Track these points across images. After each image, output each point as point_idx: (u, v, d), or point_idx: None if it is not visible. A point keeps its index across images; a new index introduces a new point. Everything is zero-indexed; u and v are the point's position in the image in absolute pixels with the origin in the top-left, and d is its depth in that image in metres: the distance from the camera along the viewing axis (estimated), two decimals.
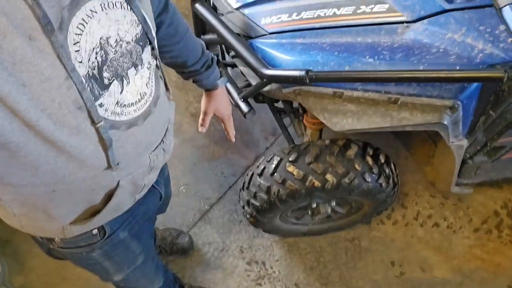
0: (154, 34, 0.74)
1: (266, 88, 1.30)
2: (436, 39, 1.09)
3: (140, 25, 0.69)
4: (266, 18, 1.32)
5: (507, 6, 1.05)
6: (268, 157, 1.47)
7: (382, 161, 1.43)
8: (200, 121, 1.19)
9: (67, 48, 0.56)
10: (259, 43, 1.31)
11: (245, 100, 1.40)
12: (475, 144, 1.33)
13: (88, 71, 0.61)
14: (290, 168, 1.38)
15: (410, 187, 2.00)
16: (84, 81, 0.60)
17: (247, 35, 1.36)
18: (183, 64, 1.05)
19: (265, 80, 1.20)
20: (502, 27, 1.04)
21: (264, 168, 1.44)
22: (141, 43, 0.70)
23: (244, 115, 1.39)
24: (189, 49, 1.03)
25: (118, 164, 0.73)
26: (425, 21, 1.13)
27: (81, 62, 0.59)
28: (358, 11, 1.21)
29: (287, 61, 1.22)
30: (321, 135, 1.64)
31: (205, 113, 1.17)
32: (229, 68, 1.68)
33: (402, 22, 1.15)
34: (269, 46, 1.28)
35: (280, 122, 1.72)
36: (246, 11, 1.37)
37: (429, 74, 0.99)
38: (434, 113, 1.08)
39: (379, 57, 1.11)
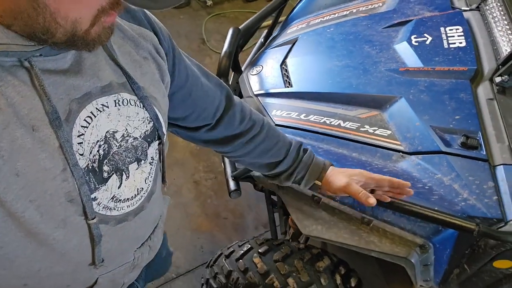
0: (164, 131, 0.73)
1: (256, 174, 1.31)
2: (425, 176, 1.08)
3: (152, 122, 0.68)
4: (278, 111, 1.39)
5: (501, 166, 1.05)
6: (241, 242, 1.43)
7: (353, 284, 1.35)
8: None
9: (71, 141, 0.55)
10: None
11: (235, 179, 1.42)
12: None
13: (88, 164, 0.59)
14: (256, 260, 1.33)
15: None
16: (84, 175, 0.58)
17: None
18: (265, 168, 1.01)
19: None
20: (490, 184, 1.03)
21: (233, 251, 1.40)
22: (149, 139, 0.69)
23: (229, 193, 1.40)
24: (273, 155, 0.98)
25: (103, 261, 0.69)
26: (420, 156, 1.14)
27: (82, 154, 0.58)
28: (361, 129, 1.25)
29: None
30: (308, 241, 1.60)
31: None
32: None
33: (398, 151, 1.17)
34: None
35: (270, 214, 1.71)
36: (263, 99, 1.45)
37: (403, 204, 0.98)
38: (402, 247, 1.04)
39: None
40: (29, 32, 0.48)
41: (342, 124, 1.28)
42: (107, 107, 0.60)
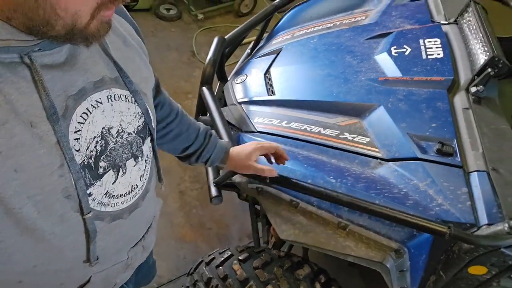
0: (154, 125, 0.74)
1: (237, 180, 1.32)
2: (401, 181, 1.10)
3: (143, 117, 0.70)
4: (260, 118, 1.40)
5: (475, 173, 1.06)
6: (222, 250, 1.43)
7: None
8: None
9: (67, 136, 0.56)
10: (247, 138, 1.37)
11: (217, 186, 1.42)
12: None
13: (84, 160, 0.59)
14: (236, 267, 1.32)
15: None
16: (80, 171, 0.59)
17: (239, 128, 1.44)
18: (180, 145, 1.03)
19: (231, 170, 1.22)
20: (464, 190, 1.04)
21: (213, 258, 1.40)
22: (141, 135, 0.70)
23: (211, 199, 1.40)
24: (184, 126, 1.01)
25: (97, 258, 0.70)
26: (397, 162, 1.15)
27: (78, 150, 0.58)
28: (341, 136, 1.26)
29: (261, 160, 1.25)
30: (290, 250, 1.60)
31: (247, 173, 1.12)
32: None
33: (376, 158, 1.18)
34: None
35: (254, 224, 1.70)
36: (246, 107, 1.46)
37: (376, 207, 0.99)
38: (378, 252, 1.04)
39: (342, 180, 1.12)
40: (28, 25, 0.49)
41: (322, 131, 1.29)
42: (101, 103, 0.61)
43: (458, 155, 1.11)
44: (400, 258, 1.04)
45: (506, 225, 0.91)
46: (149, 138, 0.73)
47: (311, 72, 1.48)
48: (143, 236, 0.83)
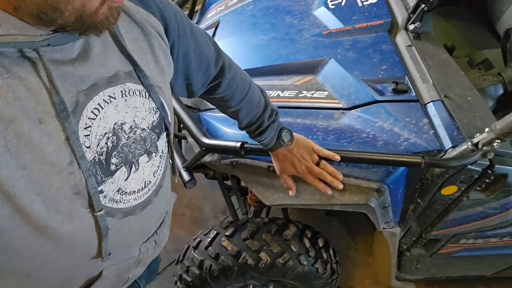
0: (170, 120, 0.72)
1: (208, 159, 1.31)
2: (367, 126, 1.15)
3: (158, 112, 0.68)
4: None
5: (431, 103, 1.14)
6: (206, 231, 1.43)
7: (320, 245, 1.41)
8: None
9: (77, 133, 0.54)
10: (207, 115, 1.36)
11: (187, 170, 1.40)
12: (410, 234, 1.34)
13: (95, 157, 0.58)
14: (225, 243, 1.34)
15: (357, 281, 1.95)
16: (91, 168, 0.57)
17: (197, 108, 1.42)
18: (239, 123, 1.05)
19: (203, 148, 1.22)
20: (425, 120, 1.12)
21: (200, 241, 1.40)
22: (157, 130, 0.68)
23: (185, 184, 1.39)
24: (246, 112, 1.00)
25: (109, 254, 0.68)
26: (359, 109, 1.20)
27: (89, 147, 0.57)
28: (300, 95, 1.29)
29: (228, 134, 1.26)
30: (268, 214, 1.64)
31: (280, 176, 1.14)
32: (182, 141, 1.71)
33: (338, 109, 1.22)
34: (215, 119, 1.32)
35: (228, 199, 1.71)
36: None
37: (353, 154, 1.04)
38: (361, 195, 1.10)
39: (312, 137, 1.15)
40: (37, 13, 0.46)
41: (281, 94, 1.31)
42: (114, 98, 0.59)
43: (412, 90, 1.18)
44: (382, 196, 1.10)
45: (469, 143, 1.00)
46: (164, 133, 0.71)
47: (255, 38, 1.48)
48: (155, 231, 0.82)
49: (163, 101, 0.68)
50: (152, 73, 0.66)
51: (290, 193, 1.13)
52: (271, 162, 1.17)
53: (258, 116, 1.02)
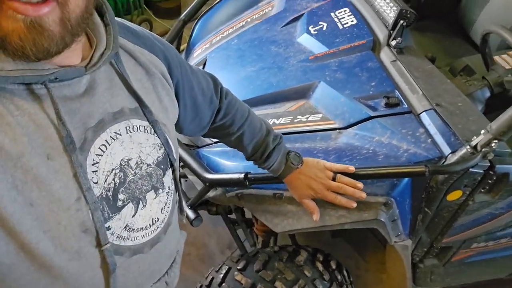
0: (175, 156, 0.73)
1: (212, 194, 1.31)
2: (365, 142, 1.17)
3: (163, 148, 0.68)
4: None
5: (424, 113, 1.17)
6: (217, 267, 1.41)
7: (333, 267, 1.39)
8: None
9: (85, 169, 0.55)
10: (205, 151, 1.37)
11: (192, 207, 1.40)
12: (421, 245, 1.34)
13: (102, 193, 0.58)
14: (238, 277, 1.32)
15: None
16: (97, 202, 0.57)
17: (195, 145, 1.43)
18: (245, 152, 1.04)
19: (207, 184, 1.22)
20: (421, 130, 1.14)
21: (213, 278, 1.38)
22: (162, 166, 0.69)
23: (191, 222, 1.38)
24: (249, 137, 1.00)
25: None
26: (355, 127, 1.22)
27: (96, 183, 0.57)
28: (295, 120, 1.31)
29: (230, 167, 1.26)
30: (276, 242, 1.62)
31: (300, 202, 1.11)
32: (182, 180, 1.71)
33: (335, 129, 1.24)
34: (214, 154, 1.33)
35: (233, 232, 1.70)
36: None
37: (358, 171, 1.05)
38: (370, 210, 1.10)
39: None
40: None
41: (277, 122, 1.33)
42: (120, 134, 0.60)
43: (404, 102, 1.21)
44: (390, 209, 1.11)
45: (468, 147, 1.02)
46: (170, 170, 0.71)
47: (244, 71, 1.51)
48: (166, 272, 0.80)
49: (167, 137, 0.69)
50: (156, 110, 0.68)
51: (314, 217, 1.07)
52: (276, 189, 1.18)
53: (262, 139, 1.02)
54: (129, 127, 0.62)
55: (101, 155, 0.57)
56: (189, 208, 1.40)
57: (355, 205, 1.05)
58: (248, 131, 1.00)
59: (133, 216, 0.64)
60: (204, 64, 1.64)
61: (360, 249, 1.77)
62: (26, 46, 0.45)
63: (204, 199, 1.36)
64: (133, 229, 0.65)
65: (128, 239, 0.64)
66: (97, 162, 0.57)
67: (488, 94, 1.41)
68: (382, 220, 1.10)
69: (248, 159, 1.07)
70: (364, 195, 1.04)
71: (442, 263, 1.45)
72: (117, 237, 0.62)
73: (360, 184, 1.04)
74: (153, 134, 0.66)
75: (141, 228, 0.66)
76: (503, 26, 1.34)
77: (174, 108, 0.75)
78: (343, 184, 1.04)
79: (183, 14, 1.85)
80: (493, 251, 1.45)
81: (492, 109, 1.43)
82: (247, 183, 1.12)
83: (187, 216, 1.39)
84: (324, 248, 1.52)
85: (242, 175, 1.12)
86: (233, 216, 1.71)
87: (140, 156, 0.64)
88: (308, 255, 1.37)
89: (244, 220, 1.64)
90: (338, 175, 1.06)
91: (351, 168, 1.04)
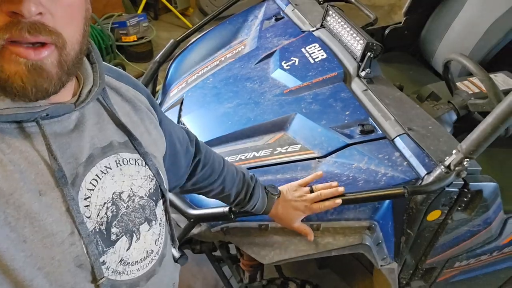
0: (166, 186, 0.73)
1: (196, 231, 1.30)
2: (345, 169, 1.20)
3: (154, 179, 0.69)
4: None
5: (398, 137, 1.22)
6: None
7: None
8: None
9: (77, 203, 0.55)
10: None
11: (176, 246, 1.38)
12: (407, 268, 1.35)
13: (95, 227, 0.58)
14: None
15: None
16: (91, 235, 0.57)
17: None
18: (228, 198, 1.06)
19: (192, 220, 1.21)
20: (397, 154, 1.19)
21: None
22: (154, 198, 0.69)
23: (176, 261, 1.35)
24: (231, 181, 1.03)
25: None
26: (333, 155, 1.26)
27: (89, 217, 0.57)
28: (275, 152, 1.34)
29: (212, 202, 1.26)
30: (263, 276, 1.61)
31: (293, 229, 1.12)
32: None
33: (314, 158, 1.28)
34: None
35: (219, 270, 1.68)
36: None
37: (341, 197, 1.07)
38: (355, 235, 1.12)
39: None
40: None
41: (257, 155, 1.35)
42: (110, 168, 0.60)
43: (378, 129, 1.27)
44: (374, 233, 1.13)
45: (442, 167, 1.07)
46: (161, 201, 0.72)
47: (221, 107, 1.55)
48: None
49: (158, 168, 0.71)
50: (146, 142, 0.69)
51: (309, 238, 1.10)
52: (261, 220, 1.19)
53: (242, 180, 1.05)
54: (119, 160, 0.63)
55: (92, 190, 0.58)
56: (173, 247, 1.38)
57: (339, 201, 1.06)
58: (228, 176, 1.03)
59: (127, 250, 0.64)
60: (182, 103, 1.67)
61: (347, 278, 1.77)
62: (28, 87, 0.48)
63: (187, 238, 1.34)
64: (128, 263, 0.64)
65: (124, 273, 0.64)
66: (89, 197, 0.58)
67: (454, 117, 1.48)
68: (368, 244, 1.12)
69: (231, 204, 1.09)
70: (341, 188, 1.09)
71: (428, 284, 1.47)
72: (112, 272, 0.62)
73: (334, 183, 1.11)
74: (144, 166, 0.67)
75: (136, 262, 0.66)
76: (462, 53, 1.44)
77: (162, 141, 0.77)
78: (320, 191, 1.09)
79: (157, 56, 1.90)
80: (475, 269, 1.49)
81: (459, 132, 1.50)
82: (232, 216, 1.13)
83: (172, 256, 1.37)
84: (311, 279, 1.52)
85: (226, 209, 1.13)
86: (217, 253, 1.69)
87: (132, 189, 0.64)
88: (296, 286, 1.37)
89: (229, 256, 1.62)
90: (313, 186, 1.12)
91: (319, 173, 1.14)
